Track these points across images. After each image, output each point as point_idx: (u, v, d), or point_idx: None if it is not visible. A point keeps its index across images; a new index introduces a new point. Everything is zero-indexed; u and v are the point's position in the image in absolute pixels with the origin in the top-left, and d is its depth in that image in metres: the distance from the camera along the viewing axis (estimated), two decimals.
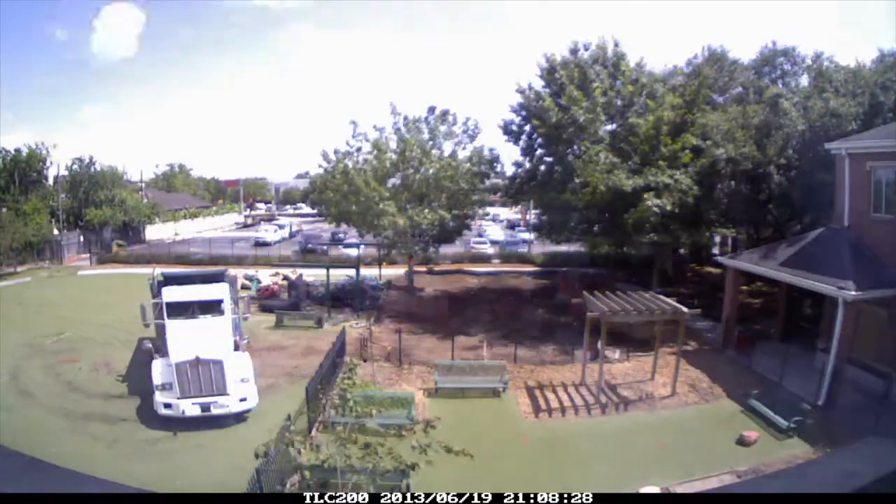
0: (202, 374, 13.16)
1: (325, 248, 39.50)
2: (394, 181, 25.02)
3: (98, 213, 41.90)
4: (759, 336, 19.22)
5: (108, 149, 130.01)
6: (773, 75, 26.82)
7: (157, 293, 15.69)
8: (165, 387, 13.17)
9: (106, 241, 41.41)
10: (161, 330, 14.77)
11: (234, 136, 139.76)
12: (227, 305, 15.28)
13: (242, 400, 13.31)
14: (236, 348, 14.75)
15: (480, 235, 46.07)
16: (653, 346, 17.10)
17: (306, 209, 76.20)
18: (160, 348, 14.39)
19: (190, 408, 12.90)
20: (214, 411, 12.98)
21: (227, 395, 13.17)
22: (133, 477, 9.30)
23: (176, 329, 14.28)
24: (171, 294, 15.20)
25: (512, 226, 58.59)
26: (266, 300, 25.07)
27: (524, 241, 41.97)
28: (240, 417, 13.31)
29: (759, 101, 23.22)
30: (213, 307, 15.08)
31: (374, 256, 34.32)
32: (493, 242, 42.20)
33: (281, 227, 53.73)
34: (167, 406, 13.00)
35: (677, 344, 16.49)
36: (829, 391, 14.20)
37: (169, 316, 14.72)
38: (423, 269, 29.74)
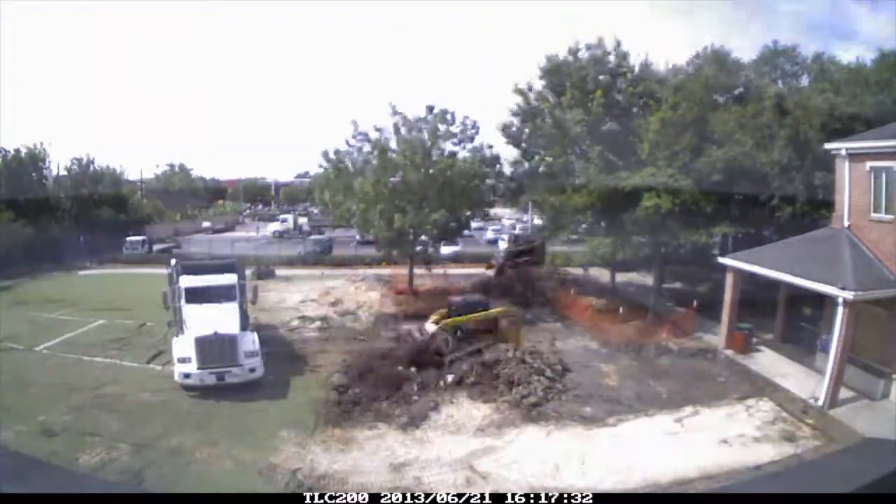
0: (218, 348, 15.25)
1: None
2: (394, 181, 25.00)
3: (98, 213, 41.90)
4: (758, 336, 19.21)
5: (108, 149, 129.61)
6: (773, 75, 26.85)
7: (175, 280, 17.76)
8: (185, 360, 15.15)
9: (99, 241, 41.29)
10: (179, 312, 16.83)
11: (234, 136, 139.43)
12: (237, 291, 17.53)
13: (252, 370, 15.50)
14: (245, 329, 16.59)
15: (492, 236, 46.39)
16: None
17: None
18: (179, 328, 16.49)
19: (207, 377, 15.01)
20: (228, 380, 15.15)
21: (240, 365, 15.35)
22: None
23: (193, 311, 16.45)
24: (189, 281, 17.40)
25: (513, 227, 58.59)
26: None
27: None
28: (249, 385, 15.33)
29: (760, 100, 23.23)
30: (224, 292, 17.27)
31: (374, 256, 34.40)
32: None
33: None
34: (186, 376, 15.07)
35: None
36: (830, 391, 14.21)
37: (187, 300, 16.86)
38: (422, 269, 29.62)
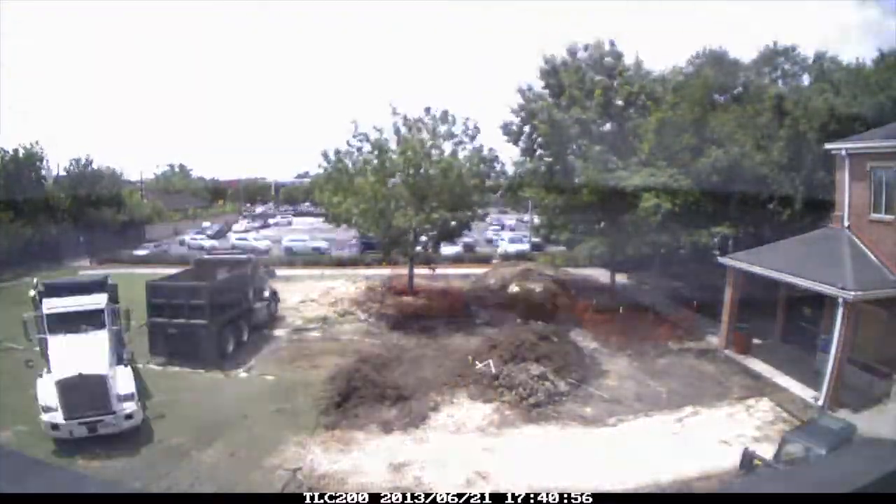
0: (85, 393, 12.41)
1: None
2: (394, 181, 25.00)
3: (97, 213, 41.89)
4: (758, 336, 19.21)
5: (108, 149, 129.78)
6: (773, 75, 26.87)
7: (38, 305, 14.70)
8: (50, 408, 12.36)
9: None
10: (44, 345, 13.94)
11: (234, 136, 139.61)
12: (106, 316, 14.39)
13: (129, 417, 12.78)
14: (121, 362, 14.07)
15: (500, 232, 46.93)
16: None
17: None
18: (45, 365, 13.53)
19: (77, 428, 12.30)
20: (101, 430, 12.44)
21: (113, 412, 12.59)
22: None
23: (57, 344, 13.54)
24: (51, 305, 14.33)
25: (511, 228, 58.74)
26: None
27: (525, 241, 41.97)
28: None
29: (760, 101, 23.24)
30: (92, 318, 14.25)
31: (374, 257, 34.35)
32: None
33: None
34: (54, 427, 12.31)
35: None
36: (830, 392, 14.21)
37: (50, 330, 13.90)
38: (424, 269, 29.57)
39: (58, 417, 12.28)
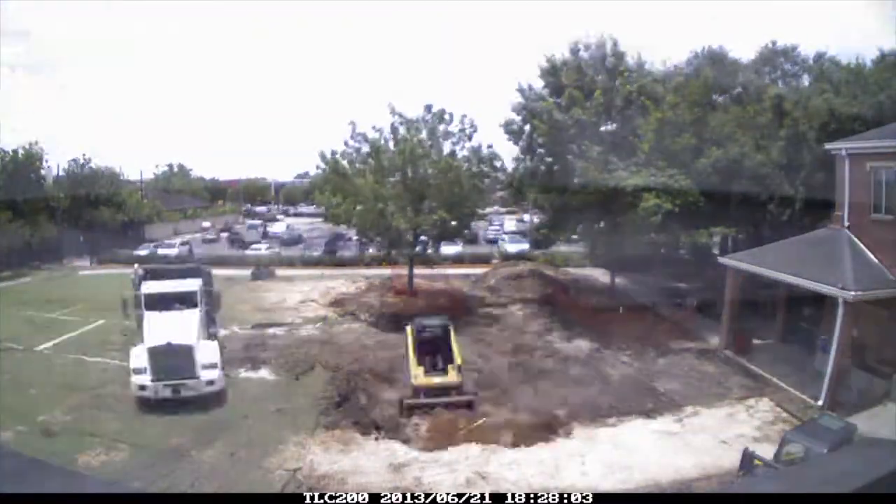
0: (173, 359, 14.16)
1: None
2: (393, 181, 24.99)
3: (97, 213, 41.86)
4: (758, 336, 19.20)
5: (108, 149, 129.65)
6: (773, 75, 26.85)
7: (137, 287, 16.73)
8: (140, 371, 14.14)
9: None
10: (139, 320, 15.82)
11: (234, 136, 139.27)
12: (199, 298, 16.37)
13: (210, 383, 14.41)
14: (210, 337, 15.98)
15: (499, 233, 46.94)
16: None
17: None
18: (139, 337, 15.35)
19: (162, 390, 13.99)
20: (184, 393, 14.13)
21: (197, 378, 14.25)
22: None
23: (151, 319, 15.36)
24: (150, 287, 16.47)
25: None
26: None
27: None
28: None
29: (760, 101, 23.24)
30: (186, 299, 16.19)
31: (374, 256, 34.34)
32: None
33: None
34: (141, 388, 14.10)
35: None
36: (830, 392, 14.20)
37: (146, 307, 15.82)
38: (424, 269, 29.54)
39: (146, 379, 14.00)
